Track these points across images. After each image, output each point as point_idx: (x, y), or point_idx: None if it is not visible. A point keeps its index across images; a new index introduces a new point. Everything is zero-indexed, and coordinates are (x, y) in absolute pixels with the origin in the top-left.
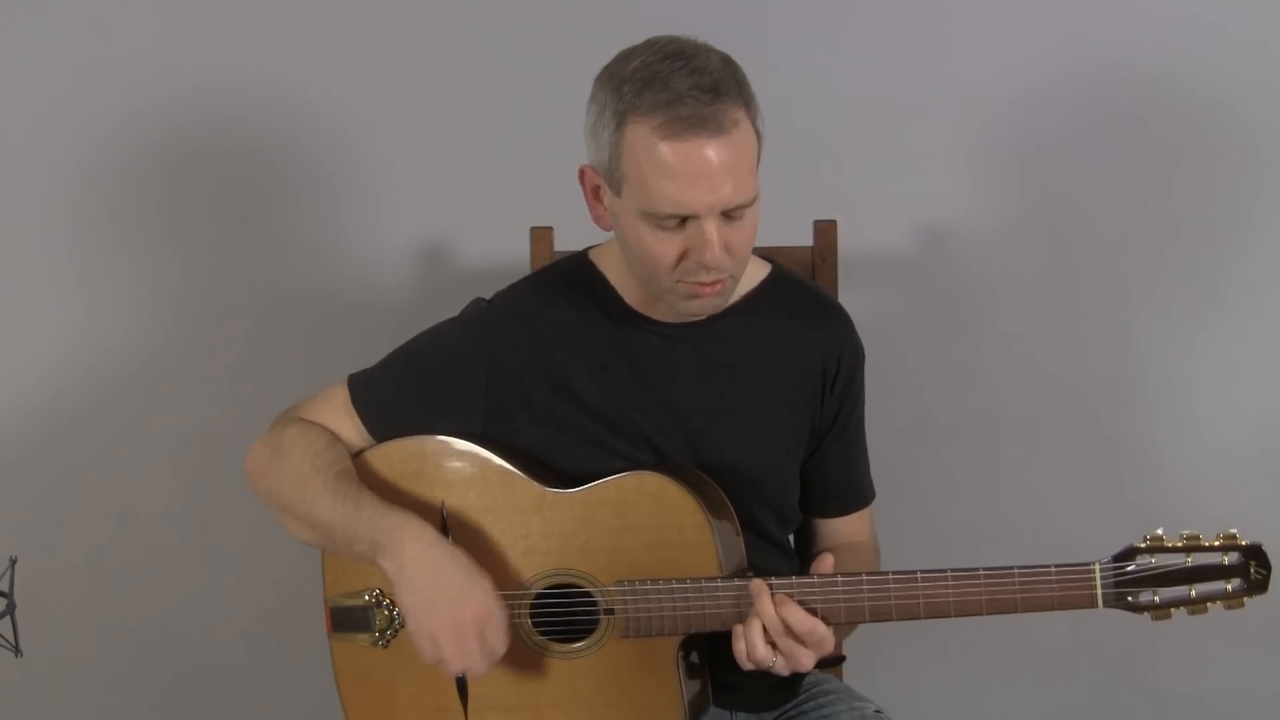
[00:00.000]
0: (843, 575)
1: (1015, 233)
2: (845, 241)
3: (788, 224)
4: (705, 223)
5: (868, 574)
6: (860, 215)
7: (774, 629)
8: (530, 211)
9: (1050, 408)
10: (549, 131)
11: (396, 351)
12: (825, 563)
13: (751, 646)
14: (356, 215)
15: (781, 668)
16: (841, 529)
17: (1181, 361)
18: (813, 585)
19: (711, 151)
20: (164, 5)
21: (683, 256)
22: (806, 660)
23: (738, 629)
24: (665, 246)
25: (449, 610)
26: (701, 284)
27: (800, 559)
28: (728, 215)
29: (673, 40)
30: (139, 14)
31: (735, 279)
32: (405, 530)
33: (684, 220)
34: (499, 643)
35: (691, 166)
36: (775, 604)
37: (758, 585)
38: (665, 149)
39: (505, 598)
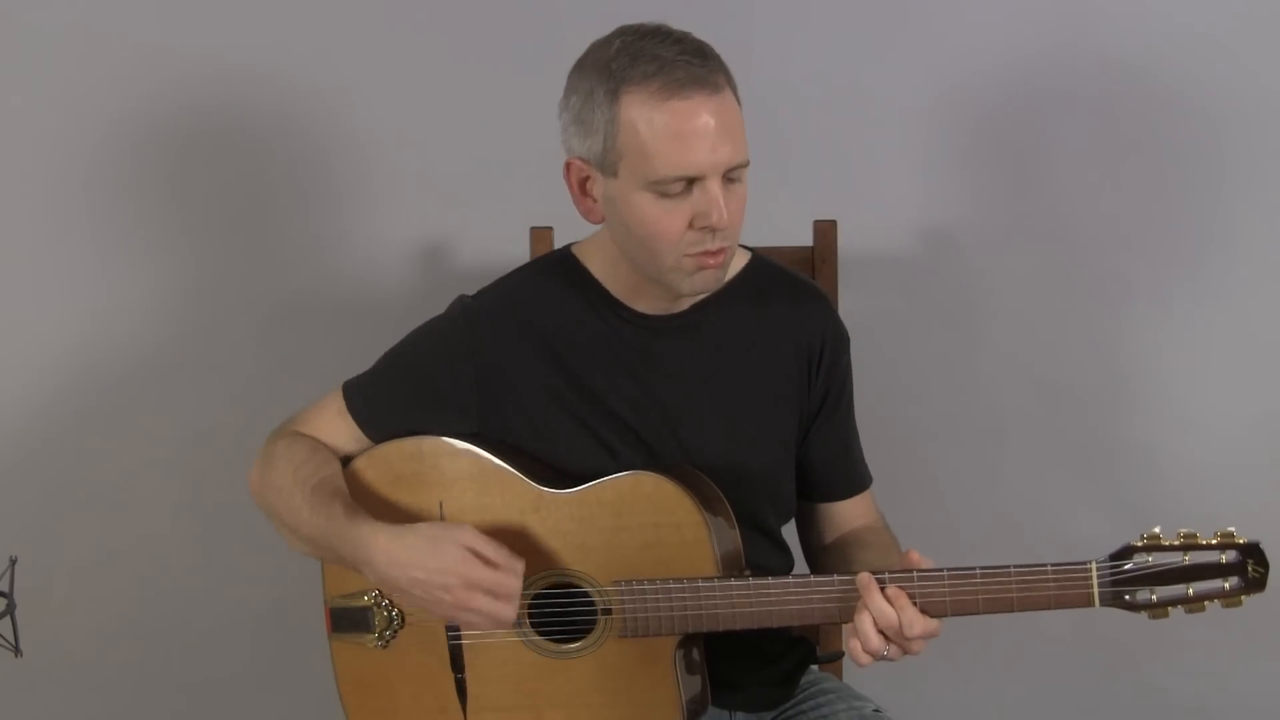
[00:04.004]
0: (838, 575)
1: (1015, 233)
2: (845, 241)
3: (788, 224)
4: (710, 182)
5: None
6: (860, 215)
7: (887, 621)
8: (530, 211)
9: (1049, 408)
10: (549, 131)
11: (386, 355)
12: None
13: (865, 638)
14: (356, 215)
15: (894, 655)
16: (849, 512)
17: (1180, 361)
18: (942, 578)
19: (709, 110)
20: (164, 5)
21: (689, 226)
22: (918, 647)
23: (849, 628)
24: (671, 217)
25: (441, 592)
26: (708, 253)
27: (809, 549)
28: (726, 178)
29: (642, 24)
30: (138, 14)
31: (732, 252)
32: (368, 542)
33: (689, 185)
34: (499, 583)
35: (692, 126)
36: (888, 598)
37: (865, 579)
38: (665, 112)
39: None
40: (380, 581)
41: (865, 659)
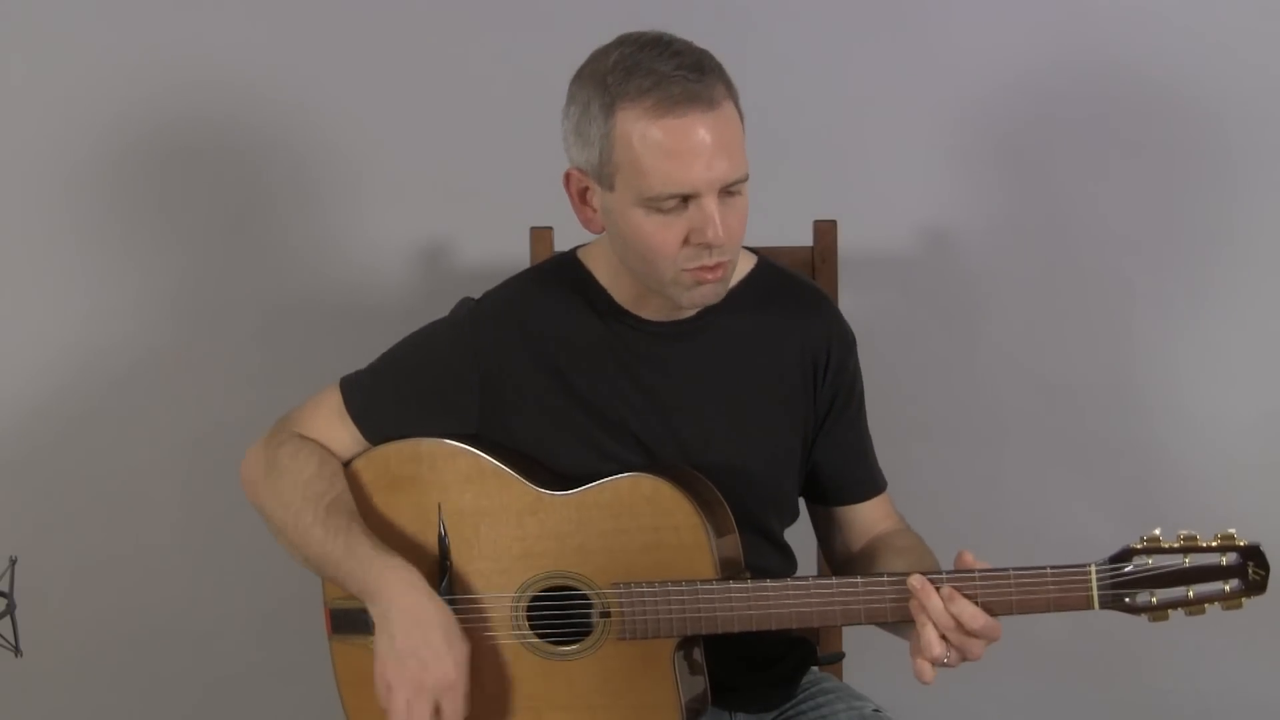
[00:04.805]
0: (834, 578)
1: (1015, 233)
2: (845, 241)
3: (788, 224)
4: (705, 199)
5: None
6: (860, 215)
7: (945, 625)
8: (530, 211)
9: (1050, 408)
10: (549, 131)
11: (387, 354)
12: (967, 558)
13: (927, 645)
14: (356, 215)
15: (954, 661)
16: (871, 516)
17: (1181, 362)
18: (973, 576)
19: (705, 127)
20: (162, 4)
21: (685, 241)
22: (979, 650)
23: (914, 646)
24: (666, 233)
25: (414, 669)
26: (705, 268)
27: (834, 557)
28: (724, 192)
29: (644, 33)
30: (138, 14)
31: (733, 264)
32: (394, 579)
33: (684, 201)
34: (453, 714)
35: (687, 144)
36: (944, 600)
37: (920, 581)
38: (659, 129)
39: (502, 599)
40: (381, 617)
41: (929, 674)
